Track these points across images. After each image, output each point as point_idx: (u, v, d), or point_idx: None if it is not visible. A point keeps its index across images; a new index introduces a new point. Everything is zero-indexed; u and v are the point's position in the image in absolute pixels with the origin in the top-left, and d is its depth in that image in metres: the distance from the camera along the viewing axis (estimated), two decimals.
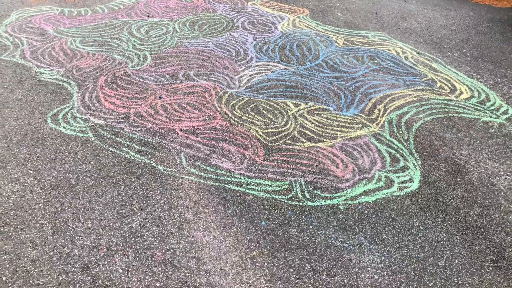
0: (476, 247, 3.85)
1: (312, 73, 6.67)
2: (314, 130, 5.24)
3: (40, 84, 5.90)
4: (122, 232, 3.78)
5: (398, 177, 4.62)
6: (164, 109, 5.46)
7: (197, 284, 3.38)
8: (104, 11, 8.71)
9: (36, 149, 4.69)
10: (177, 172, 4.51)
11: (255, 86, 6.19)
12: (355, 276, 3.52)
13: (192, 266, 3.52)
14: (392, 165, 4.77)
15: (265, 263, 3.58)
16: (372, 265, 3.62)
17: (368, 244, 3.80)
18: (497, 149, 5.14)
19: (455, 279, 3.54)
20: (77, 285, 3.31)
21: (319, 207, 4.17)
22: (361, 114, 5.62)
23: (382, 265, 3.63)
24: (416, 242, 3.85)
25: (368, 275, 3.53)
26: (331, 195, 4.32)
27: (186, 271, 3.47)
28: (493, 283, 3.54)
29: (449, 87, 6.44)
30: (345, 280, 3.48)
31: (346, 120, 5.48)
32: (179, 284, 3.37)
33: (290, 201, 4.23)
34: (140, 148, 4.79)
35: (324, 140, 5.08)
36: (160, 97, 5.69)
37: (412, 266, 3.63)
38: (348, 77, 6.62)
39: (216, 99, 5.76)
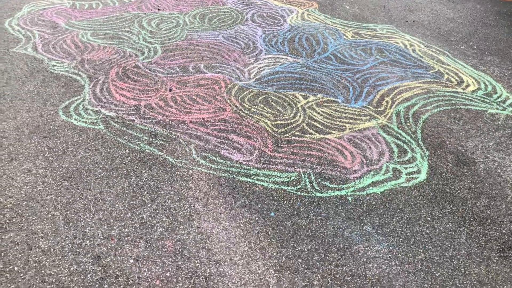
0: (483, 238, 3.88)
1: (321, 66, 6.70)
2: (323, 122, 5.27)
3: (51, 76, 5.93)
4: (133, 222, 3.82)
5: (406, 168, 4.65)
6: (174, 101, 5.50)
7: (207, 274, 3.42)
8: (115, 4, 8.74)
9: (47, 141, 4.73)
10: (187, 164, 4.54)
11: (264, 78, 6.21)
12: (363, 266, 3.56)
13: (202, 256, 3.56)
14: (399, 157, 4.80)
15: (274, 254, 3.61)
16: (380, 255, 3.65)
17: (376, 235, 3.83)
18: (504, 140, 5.16)
19: (462, 269, 3.57)
20: (89, 275, 3.35)
21: (327, 198, 4.20)
22: (369, 106, 5.64)
23: (390, 255, 3.66)
24: (423, 233, 3.88)
25: (376, 265, 3.56)
26: (340, 186, 4.36)
27: (196, 261, 3.51)
28: (499, 273, 3.57)
29: (456, 80, 6.46)
30: (353, 270, 3.51)
31: (354, 112, 5.50)
32: (189, 274, 3.41)
33: (299, 192, 4.26)
34: (150, 139, 4.83)
35: (333, 131, 5.11)
36: (170, 89, 5.73)
37: (420, 257, 3.66)
38: (356, 69, 6.64)
39: (225, 91, 5.79)
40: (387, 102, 5.75)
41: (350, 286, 3.40)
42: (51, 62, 6.30)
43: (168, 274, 3.40)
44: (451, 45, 7.73)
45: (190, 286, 3.33)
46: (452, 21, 9.00)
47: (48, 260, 3.44)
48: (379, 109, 5.60)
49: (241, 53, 6.97)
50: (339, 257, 3.62)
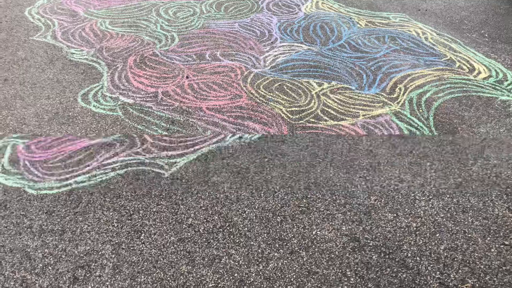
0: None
1: (335, 53, 6.74)
2: (337, 108, 5.33)
3: (71, 64, 6.02)
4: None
5: None
6: (191, 88, 5.57)
7: None
8: None
9: (67, 127, 4.81)
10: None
11: (279, 66, 6.28)
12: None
13: None
14: None
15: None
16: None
17: None
18: None
19: None
20: None
21: None
22: (382, 93, 5.69)
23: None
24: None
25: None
26: None
27: None
28: None
29: (468, 67, 6.49)
30: None
31: (368, 99, 5.56)
32: None
33: None
34: (168, 126, 4.89)
35: (347, 118, 5.17)
36: (187, 77, 5.80)
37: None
38: (370, 57, 6.69)
39: (241, 78, 5.87)
40: (400, 89, 5.79)
41: None
42: (70, 50, 6.39)
43: None
44: (462, 33, 7.74)
45: None
46: (463, 9, 8.99)
47: None
48: (392, 96, 5.65)
49: (257, 41, 7.04)
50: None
